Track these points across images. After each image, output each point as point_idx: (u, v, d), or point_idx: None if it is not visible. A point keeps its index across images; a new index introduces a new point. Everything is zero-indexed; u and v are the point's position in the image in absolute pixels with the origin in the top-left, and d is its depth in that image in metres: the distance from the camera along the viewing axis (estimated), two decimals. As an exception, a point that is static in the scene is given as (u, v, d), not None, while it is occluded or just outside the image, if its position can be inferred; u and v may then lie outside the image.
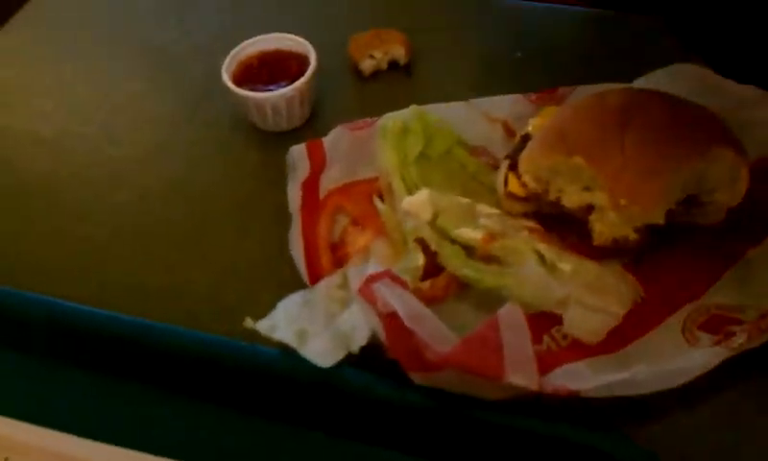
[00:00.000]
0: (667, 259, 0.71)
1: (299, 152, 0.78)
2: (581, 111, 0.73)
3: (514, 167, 0.73)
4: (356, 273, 0.65)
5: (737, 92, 0.80)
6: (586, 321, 0.65)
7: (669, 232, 0.70)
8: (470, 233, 0.69)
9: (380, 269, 0.64)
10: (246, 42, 0.87)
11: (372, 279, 0.62)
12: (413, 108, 0.79)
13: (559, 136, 0.71)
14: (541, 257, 0.68)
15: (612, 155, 0.68)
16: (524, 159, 0.71)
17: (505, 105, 0.83)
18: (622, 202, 0.66)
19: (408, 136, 0.76)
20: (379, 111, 0.82)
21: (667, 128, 0.69)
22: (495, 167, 0.78)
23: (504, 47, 0.95)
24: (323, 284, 0.68)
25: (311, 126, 0.88)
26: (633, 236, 0.68)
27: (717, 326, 0.65)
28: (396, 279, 0.63)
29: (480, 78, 0.92)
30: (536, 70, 0.91)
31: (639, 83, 0.83)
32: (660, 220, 0.68)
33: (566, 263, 0.67)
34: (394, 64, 0.93)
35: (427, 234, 0.69)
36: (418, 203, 0.70)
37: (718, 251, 0.70)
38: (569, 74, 0.87)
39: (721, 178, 0.69)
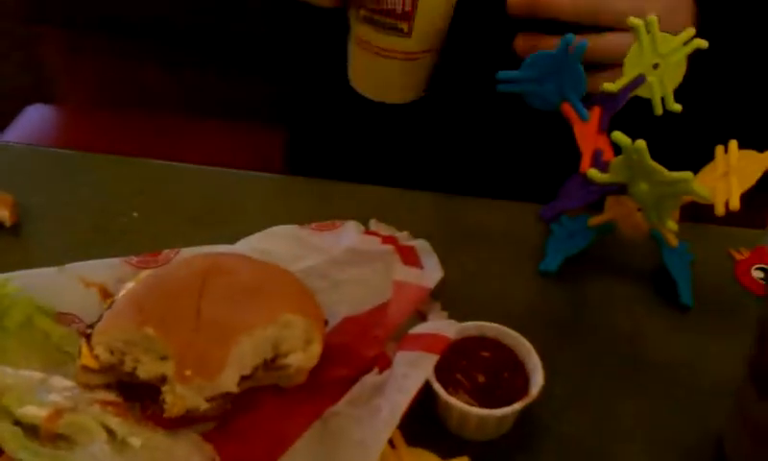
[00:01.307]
0: (252, 423, 0.70)
1: None
2: (161, 278, 0.73)
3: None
4: None
5: (332, 251, 0.84)
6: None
7: (258, 394, 0.70)
8: (34, 411, 0.65)
9: None
10: None
11: None
12: (-12, 277, 0.75)
13: (135, 306, 0.70)
14: (111, 433, 0.65)
15: (186, 323, 0.68)
16: (96, 331, 0.69)
17: (103, 269, 0.80)
18: (187, 373, 0.65)
19: (-21, 309, 0.72)
20: (-19, 275, 0.77)
21: (243, 293, 0.71)
22: (86, 335, 0.75)
23: (119, 207, 0.93)
24: None
25: None
26: (204, 406, 0.67)
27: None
28: None
29: (92, 239, 0.89)
30: (152, 231, 0.90)
31: (240, 244, 0.84)
32: (233, 388, 0.68)
33: (137, 438, 0.65)
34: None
35: (-14, 416, 0.64)
36: (-21, 381, 0.65)
37: (300, 411, 0.71)
38: (185, 234, 0.87)
39: (294, 342, 0.70)
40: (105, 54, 1.75)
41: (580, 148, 0.82)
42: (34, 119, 1.67)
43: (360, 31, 0.89)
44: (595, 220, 0.86)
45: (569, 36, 0.79)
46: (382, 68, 0.90)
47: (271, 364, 0.70)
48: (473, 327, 0.73)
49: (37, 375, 0.68)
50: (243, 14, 1.63)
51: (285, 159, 1.31)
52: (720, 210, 0.74)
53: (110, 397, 0.69)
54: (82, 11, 1.68)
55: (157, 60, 1.73)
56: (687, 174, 0.73)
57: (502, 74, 0.83)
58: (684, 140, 0.94)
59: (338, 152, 1.18)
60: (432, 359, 0.68)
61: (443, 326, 0.72)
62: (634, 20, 0.79)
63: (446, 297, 0.80)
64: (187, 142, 1.58)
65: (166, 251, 0.84)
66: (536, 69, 0.82)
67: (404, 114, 1.04)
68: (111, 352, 0.68)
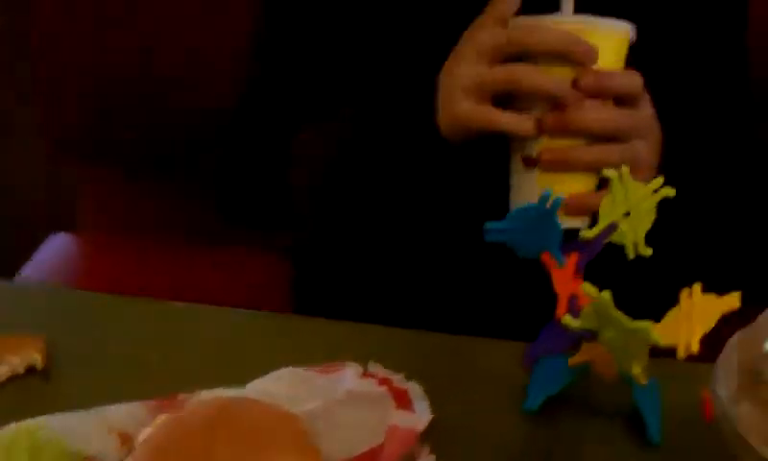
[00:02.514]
0: None
1: None
2: (174, 425, 0.81)
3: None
4: None
5: (333, 394, 0.91)
6: None
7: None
8: None
9: None
10: None
11: None
12: (21, 424, 0.83)
13: (152, 452, 0.78)
14: None
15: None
16: (118, 479, 0.77)
17: (124, 412, 0.88)
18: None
19: (11, 456, 0.79)
20: (13, 419, 0.85)
21: (251, 441, 0.78)
22: (107, 477, 0.82)
23: (142, 349, 1.02)
24: None
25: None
26: None
27: None
28: None
29: (119, 383, 0.96)
30: (170, 373, 0.98)
31: (249, 387, 0.92)
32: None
33: None
34: (32, 370, 0.97)
35: None
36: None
37: None
38: (201, 375, 0.94)
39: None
40: (117, 184, 1.87)
41: (557, 294, 0.90)
42: (55, 248, 1.79)
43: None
44: (573, 361, 0.94)
45: (547, 191, 0.88)
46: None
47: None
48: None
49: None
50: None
51: (291, 293, 1.39)
52: (681, 354, 0.81)
53: None
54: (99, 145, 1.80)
55: (165, 191, 1.84)
56: (647, 323, 0.80)
57: (490, 225, 0.91)
58: (658, 281, 1.02)
59: (344, 292, 1.27)
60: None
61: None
62: (609, 172, 0.89)
63: (433, 439, 0.87)
64: (196, 271, 1.70)
65: (182, 395, 0.91)
66: (521, 220, 0.90)
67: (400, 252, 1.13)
68: (132, 500, 0.76)
